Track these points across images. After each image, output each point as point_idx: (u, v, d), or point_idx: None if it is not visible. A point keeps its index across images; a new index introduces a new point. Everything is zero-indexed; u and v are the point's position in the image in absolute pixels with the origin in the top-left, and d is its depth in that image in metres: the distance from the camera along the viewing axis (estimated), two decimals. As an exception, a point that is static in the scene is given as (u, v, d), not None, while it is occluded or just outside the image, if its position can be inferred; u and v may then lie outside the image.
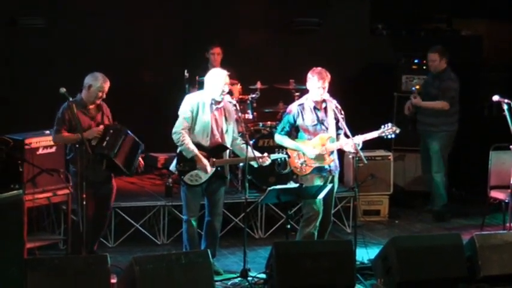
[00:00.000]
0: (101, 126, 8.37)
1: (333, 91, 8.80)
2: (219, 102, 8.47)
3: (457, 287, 8.25)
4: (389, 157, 10.86)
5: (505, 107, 9.27)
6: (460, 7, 12.36)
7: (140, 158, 8.59)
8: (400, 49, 11.87)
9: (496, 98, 9.42)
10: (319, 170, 8.62)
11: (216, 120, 8.48)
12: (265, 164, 8.51)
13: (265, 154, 8.51)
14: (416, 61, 11.56)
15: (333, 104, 8.63)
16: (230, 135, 8.59)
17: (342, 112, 8.64)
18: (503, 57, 12.61)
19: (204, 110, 8.42)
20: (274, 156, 8.63)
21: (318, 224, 8.65)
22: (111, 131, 8.38)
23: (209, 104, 8.44)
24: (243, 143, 8.51)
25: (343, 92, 10.03)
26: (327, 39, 11.85)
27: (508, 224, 9.46)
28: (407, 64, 11.60)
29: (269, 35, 11.66)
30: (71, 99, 8.16)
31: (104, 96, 8.42)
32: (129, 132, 8.51)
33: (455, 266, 8.25)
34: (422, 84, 10.82)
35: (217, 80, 8.43)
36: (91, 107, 8.45)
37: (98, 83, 8.36)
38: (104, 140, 8.31)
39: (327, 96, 8.62)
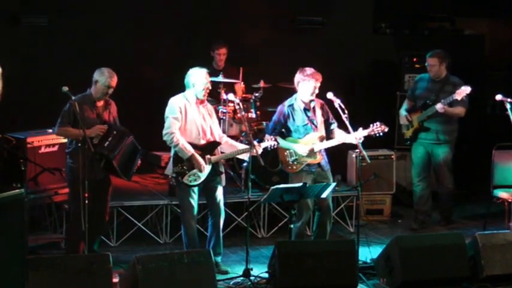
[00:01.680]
0: (105, 126, 8.35)
1: (336, 90, 8.82)
2: (203, 101, 8.54)
3: (459, 286, 8.24)
4: (392, 156, 10.84)
5: (508, 106, 9.27)
6: (463, 6, 12.36)
7: (139, 161, 8.56)
8: (403, 48, 11.85)
9: (498, 97, 9.41)
10: (309, 167, 8.76)
11: (204, 118, 8.55)
12: (258, 153, 8.47)
13: (256, 143, 8.53)
14: (419, 60, 11.53)
15: (337, 102, 8.66)
16: (216, 132, 8.66)
17: (346, 111, 8.64)
18: (506, 56, 12.59)
19: (191, 109, 8.49)
20: (264, 144, 8.63)
21: (307, 217, 8.85)
22: (115, 133, 8.35)
23: (194, 103, 8.50)
24: (247, 141, 8.52)
25: (345, 90, 10.02)
26: (330, 38, 11.85)
27: (510, 224, 9.45)
28: (410, 63, 11.57)
29: (272, 34, 11.64)
30: (73, 98, 8.15)
31: (111, 92, 8.38)
32: (131, 136, 8.48)
33: (458, 266, 8.25)
34: (414, 88, 10.33)
35: (199, 78, 8.50)
36: (99, 104, 8.41)
37: (103, 79, 8.33)
38: (106, 140, 8.28)
39: (331, 95, 8.70)
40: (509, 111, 9.22)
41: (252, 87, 10.54)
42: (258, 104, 10.43)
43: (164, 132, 8.44)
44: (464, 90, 9.75)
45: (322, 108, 8.86)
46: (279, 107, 8.92)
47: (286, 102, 8.89)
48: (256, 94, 10.38)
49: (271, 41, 11.62)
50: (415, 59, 11.54)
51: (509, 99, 9.27)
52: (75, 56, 10.54)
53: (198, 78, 8.50)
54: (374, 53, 12.11)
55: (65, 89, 8.14)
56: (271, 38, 11.63)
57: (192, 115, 8.48)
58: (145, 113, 10.94)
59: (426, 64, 10.20)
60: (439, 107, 9.85)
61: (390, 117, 10.83)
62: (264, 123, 10.33)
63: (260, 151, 8.52)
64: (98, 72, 8.37)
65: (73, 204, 8.39)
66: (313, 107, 8.81)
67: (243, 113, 8.82)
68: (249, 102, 10.33)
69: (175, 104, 8.50)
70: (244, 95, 10.34)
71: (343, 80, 11.34)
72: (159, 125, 8.56)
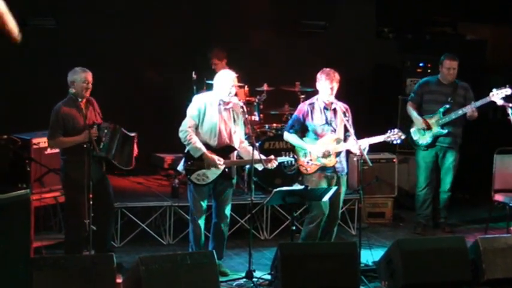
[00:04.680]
0: (95, 129, 8.30)
1: (339, 93, 8.85)
2: (227, 103, 8.53)
3: (460, 290, 8.30)
4: (394, 160, 10.88)
5: (509, 111, 9.30)
6: (465, 11, 12.40)
7: (135, 146, 8.54)
8: (405, 52, 11.89)
9: (500, 102, 9.45)
10: (324, 170, 8.71)
11: (224, 121, 8.52)
12: (272, 167, 8.56)
13: (272, 156, 8.55)
14: (421, 64, 11.57)
15: (339, 106, 8.69)
16: (238, 137, 8.63)
17: (348, 114, 8.69)
18: (508, 61, 12.63)
19: (211, 110, 8.46)
20: (281, 159, 8.67)
21: (322, 222, 8.73)
22: (106, 131, 8.34)
23: (217, 105, 8.49)
24: (250, 145, 8.56)
25: (348, 94, 10.04)
26: (333, 41, 11.89)
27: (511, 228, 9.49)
28: (413, 67, 11.61)
29: (276, 37, 11.69)
30: (79, 100, 8.21)
31: (90, 86, 8.35)
32: (122, 129, 8.48)
33: (459, 269, 8.25)
34: (422, 92, 10.12)
35: (224, 81, 8.49)
36: (82, 104, 8.39)
37: (78, 76, 8.31)
38: (101, 142, 8.29)
39: (332, 98, 8.69)
40: (510, 116, 9.26)
41: (255, 90, 10.58)
42: (261, 107, 10.47)
43: (180, 129, 8.46)
44: (505, 91, 9.56)
45: (345, 113, 8.72)
46: (300, 105, 8.92)
47: (308, 101, 8.87)
48: (260, 97, 10.43)
49: (275, 45, 11.67)
50: (417, 63, 11.58)
51: (510, 104, 9.30)
52: (81, 58, 10.54)
53: (222, 81, 8.51)
54: (376, 57, 12.15)
55: (72, 90, 8.21)
56: (274, 41, 11.68)
57: (210, 116, 8.46)
58: (151, 115, 11.00)
59: (447, 67, 9.96)
60: (470, 111, 9.74)
61: (392, 121, 10.89)
62: (267, 126, 10.39)
63: (275, 165, 8.57)
64: (71, 73, 8.35)
65: (70, 210, 8.42)
66: (334, 109, 8.72)
67: (246, 116, 8.85)
68: (252, 105, 10.38)
69: (195, 102, 8.52)
70: (247, 98, 10.39)
71: (345, 84, 11.33)
72: (164, 127, 8.60)
